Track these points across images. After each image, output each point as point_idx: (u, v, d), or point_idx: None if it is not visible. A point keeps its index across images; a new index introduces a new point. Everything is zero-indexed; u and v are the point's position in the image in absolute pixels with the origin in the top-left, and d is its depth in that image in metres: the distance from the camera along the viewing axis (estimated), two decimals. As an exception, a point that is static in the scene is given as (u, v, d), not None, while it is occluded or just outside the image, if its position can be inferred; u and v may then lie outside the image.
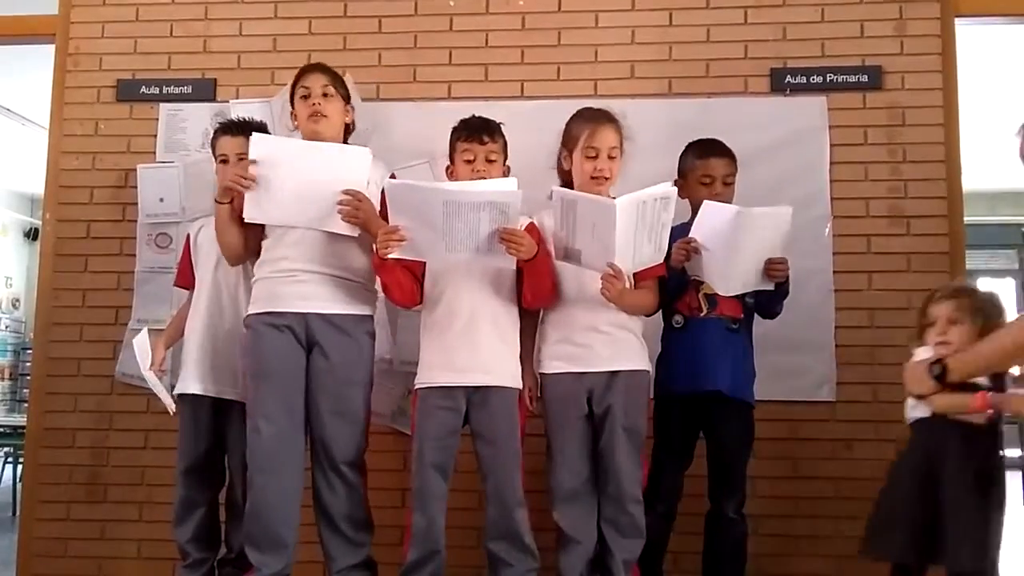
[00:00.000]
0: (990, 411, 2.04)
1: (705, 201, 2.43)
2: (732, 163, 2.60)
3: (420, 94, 3.13)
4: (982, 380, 2.08)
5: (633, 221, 2.21)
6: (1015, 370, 2.14)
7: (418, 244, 2.29)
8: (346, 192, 2.37)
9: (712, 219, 2.39)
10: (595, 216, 2.22)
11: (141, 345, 2.64)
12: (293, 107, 2.57)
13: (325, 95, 2.50)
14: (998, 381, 2.11)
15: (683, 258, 2.42)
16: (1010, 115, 5.88)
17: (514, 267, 2.39)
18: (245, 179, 2.38)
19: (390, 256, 2.30)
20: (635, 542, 2.38)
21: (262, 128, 2.75)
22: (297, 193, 2.39)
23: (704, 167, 2.58)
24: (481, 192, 2.26)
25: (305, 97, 2.51)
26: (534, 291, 2.39)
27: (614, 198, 2.22)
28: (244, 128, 2.70)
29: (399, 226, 2.27)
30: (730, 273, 2.43)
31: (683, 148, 2.66)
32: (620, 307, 2.36)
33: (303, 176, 2.39)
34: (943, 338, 2.18)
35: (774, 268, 2.45)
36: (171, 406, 2.62)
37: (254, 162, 2.39)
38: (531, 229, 2.44)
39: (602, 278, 2.29)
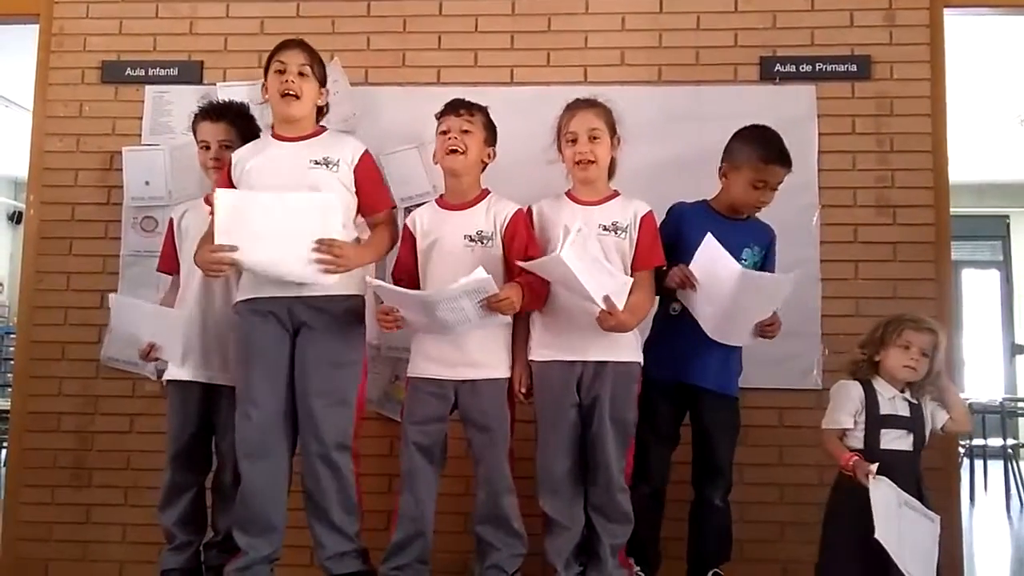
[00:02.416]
0: (849, 472, 2.30)
1: (708, 235, 2.38)
2: (789, 170, 2.53)
3: (409, 79, 3.11)
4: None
5: (587, 260, 2.23)
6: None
7: (411, 326, 2.36)
8: (319, 242, 2.30)
9: (711, 259, 2.36)
10: (557, 274, 2.24)
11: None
12: (266, 80, 2.47)
13: (301, 74, 2.43)
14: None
15: (677, 285, 2.41)
16: (997, 107, 5.95)
17: (501, 262, 2.39)
18: (221, 264, 2.29)
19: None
20: (623, 527, 2.40)
21: (242, 111, 2.72)
22: (273, 245, 2.31)
23: (766, 172, 2.49)
24: (454, 288, 2.22)
25: (280, 72, 2.43)
26: (528, 308, 2.40)
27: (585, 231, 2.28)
28: (224, 112, 2.68)
29: (395, 308, 2.30)
30: (722, 324, 2.43)
31: (740, 131, 2.59)
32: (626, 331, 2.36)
33: (274, 228, 2.29)
34: (914, 364, 2.34)
35: (766, 330, 2.47)
36: (178, 315, 2.57)
37: (233, 247, 2.26)
38: (518, 218, 2.44)
39: (597, 319, 2.28)
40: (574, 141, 2.42)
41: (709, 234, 2.39)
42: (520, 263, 2.34)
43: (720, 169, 2.59)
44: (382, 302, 2.36)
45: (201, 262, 2.37)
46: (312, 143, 2.48)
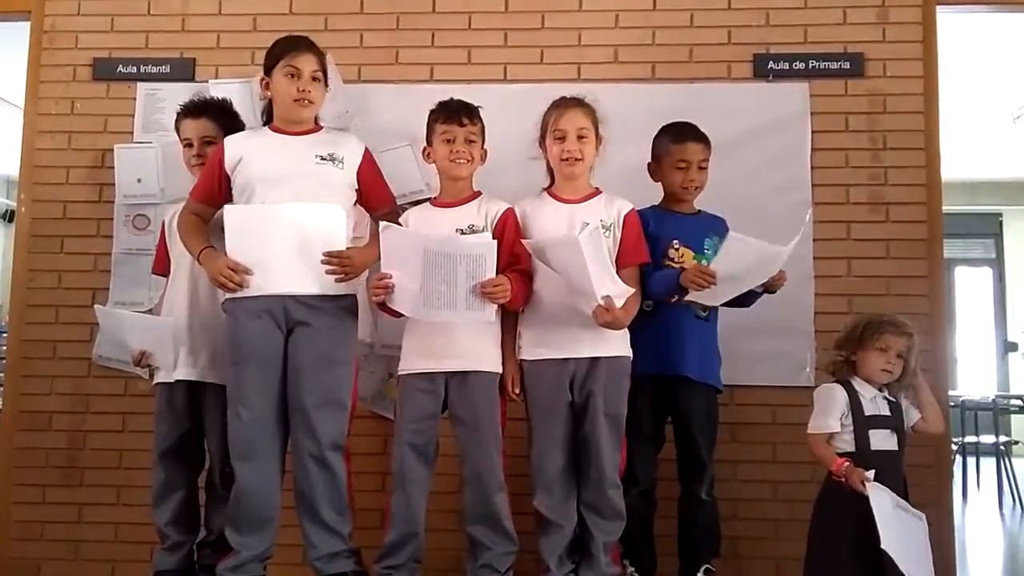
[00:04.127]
0: (839, 478, 2.29)
1: (731, 234, 2.38)
2: (707, 148, 2.61)
3: (402, 76, 3.11)
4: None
5: (600, 256, 2.24)
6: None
7: (400, 296, 2.33)
8: (327, 254, 2.35)
9: (735, 253, 2.35)
10: (564, 258, 2.25)
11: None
12: (269, 76, 2.46)
13: (314, 79, 2.44)
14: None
15: (698, 288, 2.37)
16: (990, 105, 5.96)
17: (493, 269, 2.34)
18: (233, 280, 2.33)
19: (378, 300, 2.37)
20: (615, 524, 2.40)
21: (223, 106, 2.70)
22: (283, 258, 2.36)
23: (680, 151, 2.58)
24: (460, 243, 2.29)
25: (293, 76, 2.42)
26: (510, 306, 2.40)
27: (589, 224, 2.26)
28: (205, 109, 2.66)
29: (389, 274, 2.32)
30: (727, 293, 2.43)
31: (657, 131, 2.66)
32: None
33: (283, 241, 2.35)
34: (891, 367, 2.35)
35: (774, 282, 2.46)
36: (166, 323, 2.57)
37: (246, 270, 2.34)
38: (508, 216, 2.45)
39: (593, 313, 2.29)
40: (562, 139, 2.43)
41: (731, 232, 2.40)
42: (526, 242, 2.36)
43: (649, 170, 2.65)
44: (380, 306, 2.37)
45: (212, 276, 2.37)
46: (314, 138, 2.49)
